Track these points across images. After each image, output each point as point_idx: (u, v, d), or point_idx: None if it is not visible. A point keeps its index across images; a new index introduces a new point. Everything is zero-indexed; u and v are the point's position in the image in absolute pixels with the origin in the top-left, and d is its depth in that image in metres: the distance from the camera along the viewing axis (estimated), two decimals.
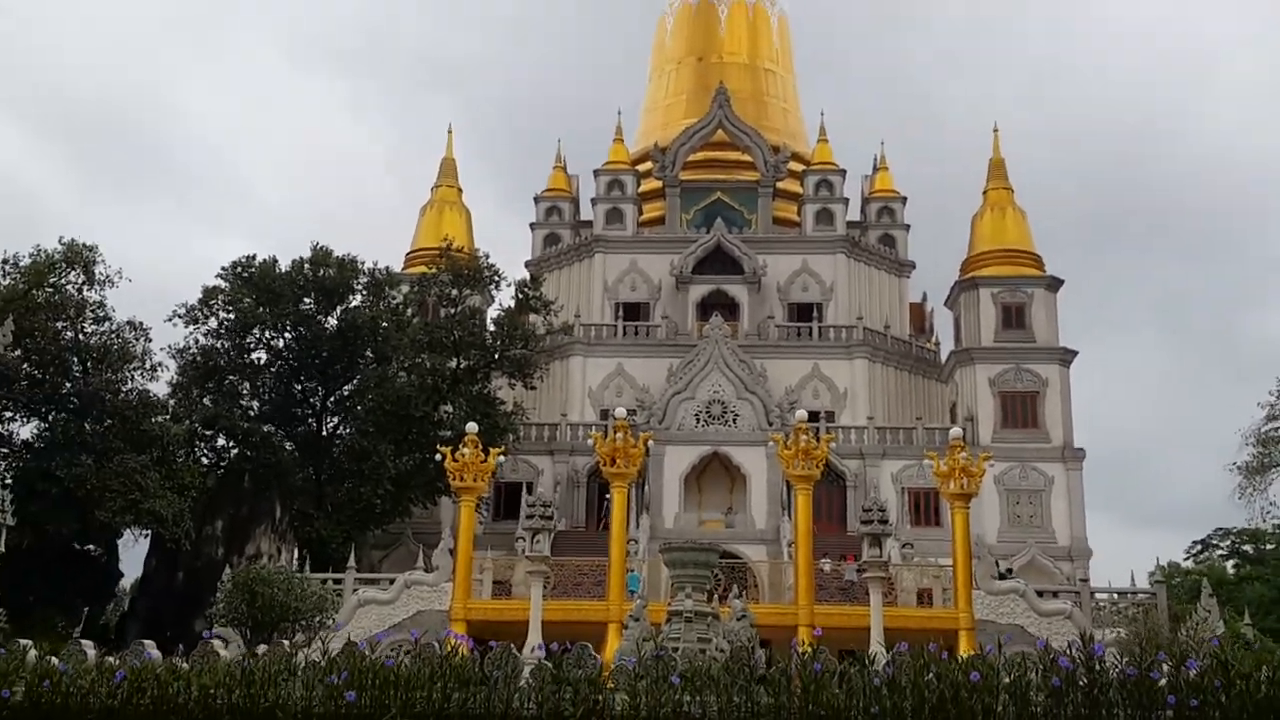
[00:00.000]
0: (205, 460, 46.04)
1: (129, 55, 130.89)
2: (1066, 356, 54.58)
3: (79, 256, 39.27)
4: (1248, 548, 69.01)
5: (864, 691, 8.34)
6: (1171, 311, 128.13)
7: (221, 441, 46.69)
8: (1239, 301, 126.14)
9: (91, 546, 43.60)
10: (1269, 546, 67.45)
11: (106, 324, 40.16)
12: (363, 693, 7.88)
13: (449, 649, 8.43)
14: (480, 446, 34.53)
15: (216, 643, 9.82)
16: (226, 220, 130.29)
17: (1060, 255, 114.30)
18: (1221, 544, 70.48)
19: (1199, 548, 72.01)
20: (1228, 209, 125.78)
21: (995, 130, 59.58)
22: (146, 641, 9.36)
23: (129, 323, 40.10)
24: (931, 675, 8.52)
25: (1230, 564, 69.21)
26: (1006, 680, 8.51)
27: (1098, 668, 8.54)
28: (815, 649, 8.81)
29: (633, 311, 58.62)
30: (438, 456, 34.79)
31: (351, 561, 38.35)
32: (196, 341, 46.79)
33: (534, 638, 27.75)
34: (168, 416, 44.26)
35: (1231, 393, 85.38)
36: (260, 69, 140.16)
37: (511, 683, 8.22)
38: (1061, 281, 56.04)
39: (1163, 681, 8.34)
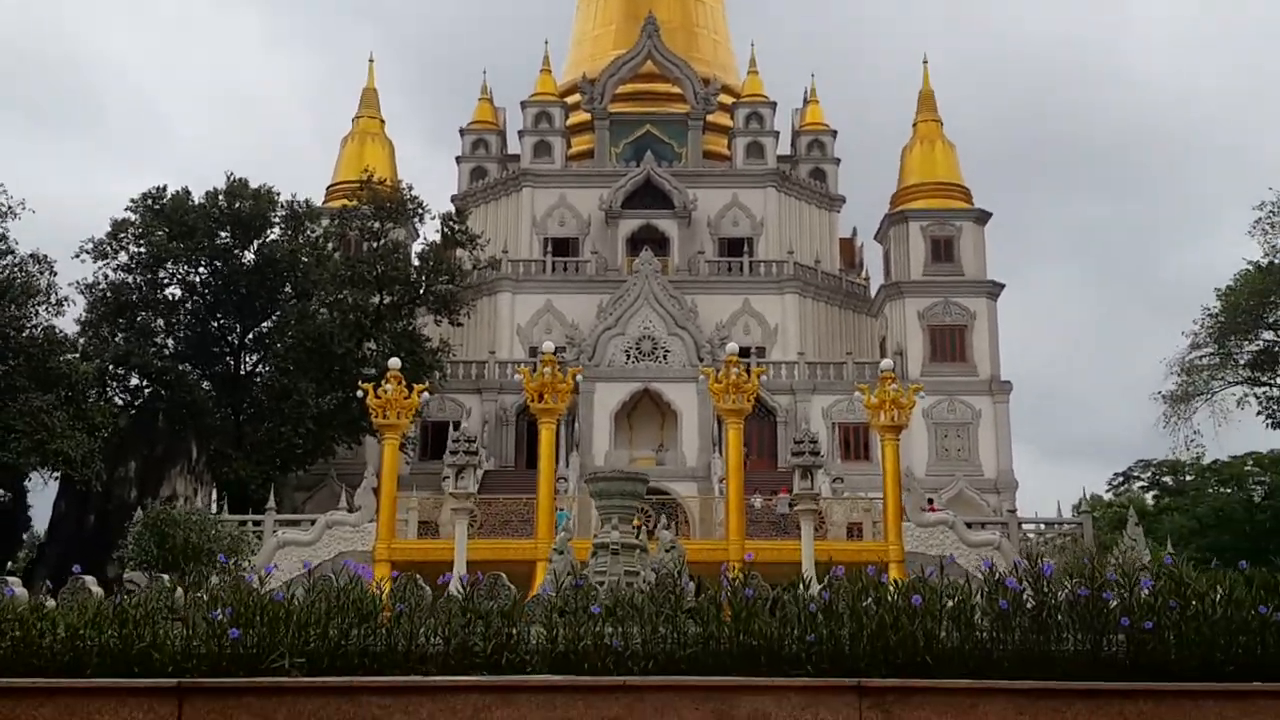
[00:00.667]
0: (119, 400, 44.53)
1: None
2: (994, 290, 54.64)
3: None
4: (1168, 479, 70.30)
5: (799, 619, 7.73)
6: (1093, 245, 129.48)
7: (135, 381, 45.17)
8: (1159, 235, 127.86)
9: (3, 492, 42.09)
10: (1188, 477, 68.76)
11: (9, 257, 38.32)
12: (249, 630, 7.10)
13: (348, 581, 7.66)
14: (403, 383, 33.61)
15: (89, 578, 8.96)
16: (145, 156, 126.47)
17: (984, 188, 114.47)
18: (1142, 475, 71.67)
19: (1120, 479, 73.25)
20: (1148, 142, 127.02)
21: (925, 62, 59.16)
22: (11, 579, 8.47)
23: (32, 255, 38.29)
24: (870, 600, 7.92)
25: (1150, 495, 70.55)
26: (950, 604, 7.94)
27: (1046, 589, 7.98)
28: (747, 575, 8.17)
29: (562, 247, 57.62)
30: (360, 394, 33.85)
31: (271, 502, 37.30)
32: (106, 277, 45.06)
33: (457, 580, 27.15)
34: (77, 355, 42.67)
35: (1151, 326, 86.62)
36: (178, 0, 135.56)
37: (416, 616, 7.49)
38: (990, 215, 55.97)
39: (1115, 603, 7.82)
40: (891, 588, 8.03)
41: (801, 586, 8.11)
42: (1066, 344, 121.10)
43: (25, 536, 46.50)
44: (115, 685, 6.80)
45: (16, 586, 8.16)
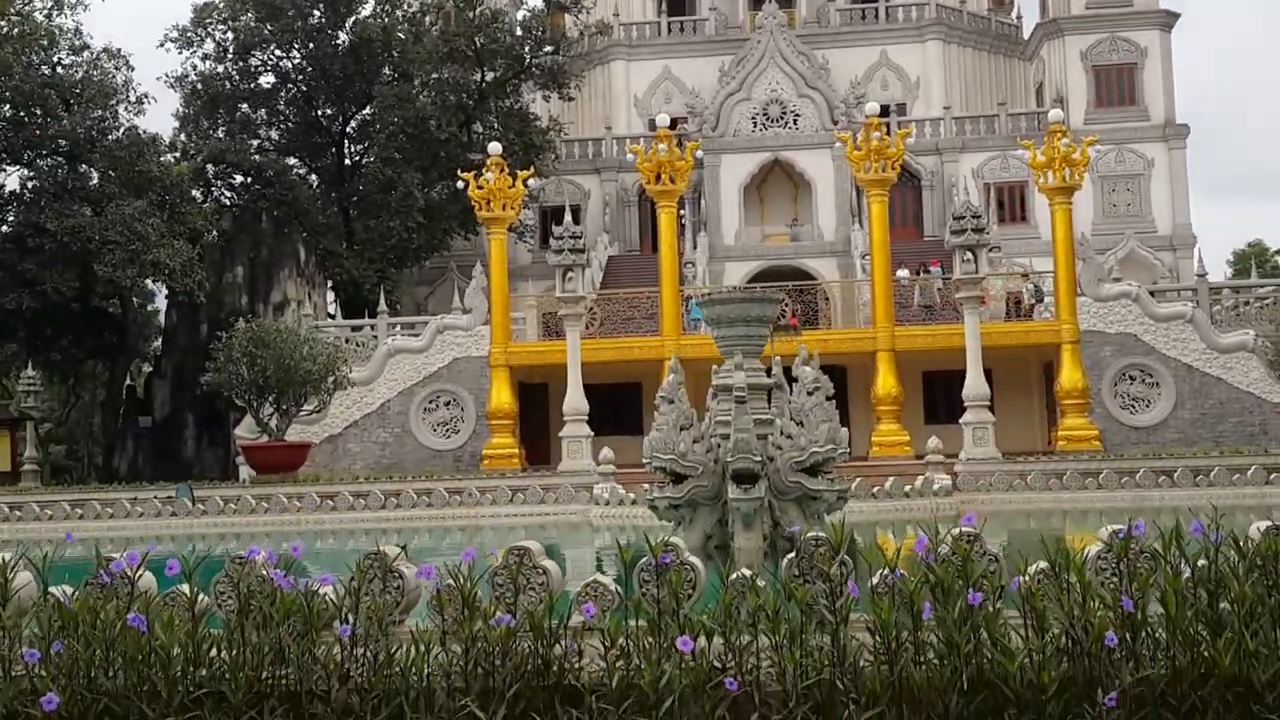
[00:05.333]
0: (224, 201, 42.41)
1: None
2: (1168, 20, 48.05)
3: None
4: None
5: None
6: None
7: (240, 179, 42.90)
8: None
9: (113, 302, 40.77)
10: None
11: (84, 54, 35.68)
12: (104, 673, 4.14)
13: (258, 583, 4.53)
14: (506, 170, 30.52)
15: None
16: None
17: None
18: None
19: None
20: None
21: None
22: None
23: (106, 50, 35.55)
24: None
25: None
26: None
27: None
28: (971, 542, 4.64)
29: (677, 6, 52.52)
30: (460, 184, 30.91)
31: (382, 305, 34.96)
32: (194, 68, 42.36)
33: (574, 394, 24.41)
34: (177, 154, 40.50)
35: None
36: None
37: (384, 630, 4.42)
38: None
39: None
40: None
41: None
42: (1239, 70, 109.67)
43: (153, 348, 45.52)
44: None
45: None
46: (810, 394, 10.82)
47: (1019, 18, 55.04)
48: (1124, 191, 47.04)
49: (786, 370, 11.75)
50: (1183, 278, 45.19)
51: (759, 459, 10.46)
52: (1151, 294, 31.59)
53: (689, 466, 10.99)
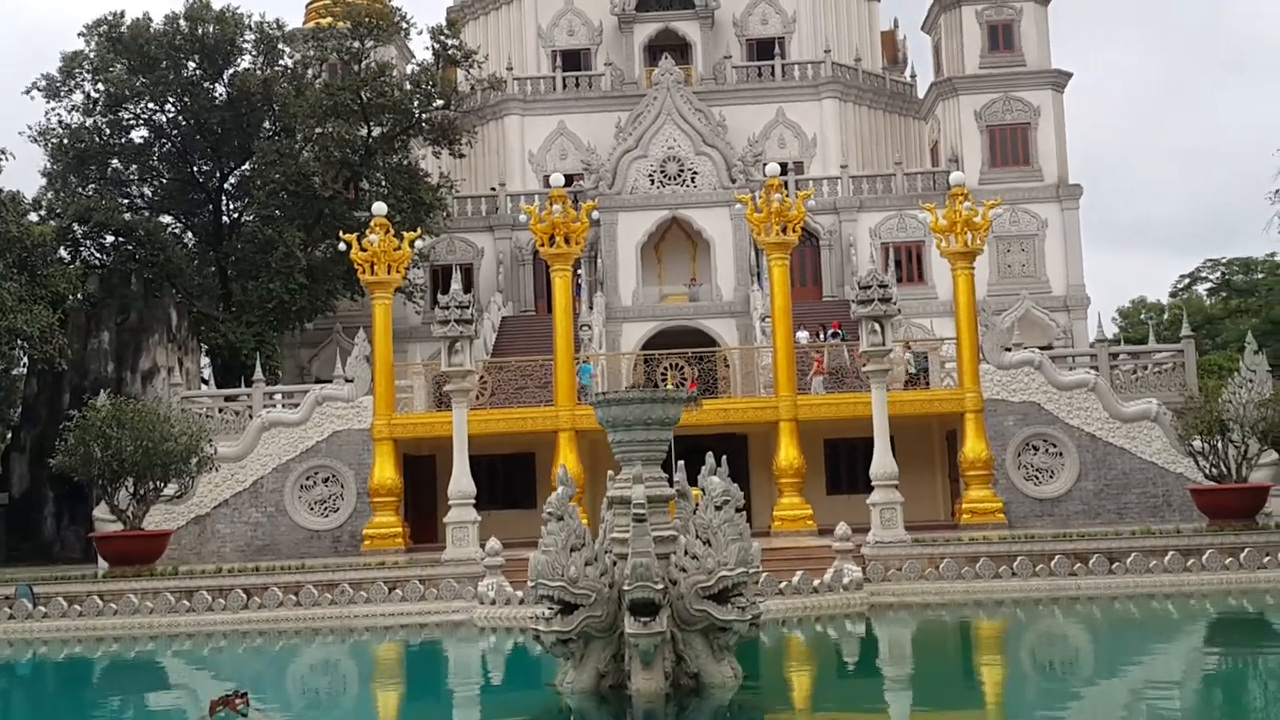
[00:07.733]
0: (93, 262, 40.04)
1: None
2: (1060, 80, 48.44)
3: None
4: (1239, 278, 65.34)
5: None
6: (1157, 7, 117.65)
7: (108, 239, 40.57)
8: None
9: None
10: (1259, 275, 63.73)
11: None
12: None
13: None
14: (392, 231, 29.01)
15: None
16: None
17: None
18: (1210, 276, 66.70)
19: (1186, 281, 68.27)
20: None
21: None
22: None
23: None
24: None
25: (1214, 297, 65.56)
26: None
27: None
28: None
29: (572, 60, 51.65)
30: (342, 246, 29.31)
31: (258, 373, 32.96)
32: (60, 120, 40.14)
33: (460, 476, 22.82)
34: (42, 213, 38.21)
35: (1217, 96, 78.05)
36: None
37: None
38: None
39: None
40: None
41: None
42: (1126, 124, 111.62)
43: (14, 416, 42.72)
44: None
45: None
46: (719, 508, 9.52)
47: (913, 77, 55.30)
48: (1018, 252, 47.07)
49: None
50: (1077, 339, 45.26)
51: (660, 586, 9.12)
52: (1052, 359, 31.11)
53: (580, 594, 9.60)
